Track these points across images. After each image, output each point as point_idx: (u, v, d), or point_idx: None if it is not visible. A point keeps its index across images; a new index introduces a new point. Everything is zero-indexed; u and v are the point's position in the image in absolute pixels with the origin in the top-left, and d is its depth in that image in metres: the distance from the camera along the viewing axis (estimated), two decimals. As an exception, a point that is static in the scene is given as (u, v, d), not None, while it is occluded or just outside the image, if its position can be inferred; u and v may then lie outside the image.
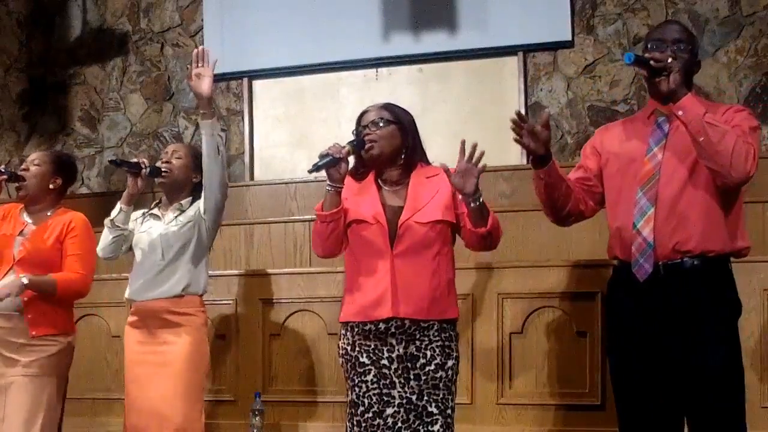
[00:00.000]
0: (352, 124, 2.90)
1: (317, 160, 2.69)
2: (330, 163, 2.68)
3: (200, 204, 3.32)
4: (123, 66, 5.98)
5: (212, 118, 3.24)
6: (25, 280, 3.20)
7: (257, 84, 5.74)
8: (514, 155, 5.10)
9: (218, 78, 5.64)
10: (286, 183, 5.31)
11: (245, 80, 5.70)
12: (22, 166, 3.43)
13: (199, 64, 3.24)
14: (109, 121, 5.99)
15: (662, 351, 2.52)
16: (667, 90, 2.47)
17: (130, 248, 3.39)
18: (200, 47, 3.30)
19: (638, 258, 2.54)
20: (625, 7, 5.10)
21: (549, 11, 5.12)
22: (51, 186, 3.44)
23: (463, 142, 2.67)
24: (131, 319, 3.34)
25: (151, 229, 3.33)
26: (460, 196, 2.72)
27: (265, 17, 5.62)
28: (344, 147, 2.71)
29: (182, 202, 3.35)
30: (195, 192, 3.37)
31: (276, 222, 4.85)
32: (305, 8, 5.54)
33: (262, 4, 5.65)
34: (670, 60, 2.47)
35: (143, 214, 3.42)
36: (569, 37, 5.14)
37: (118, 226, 3.32)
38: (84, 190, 5.94)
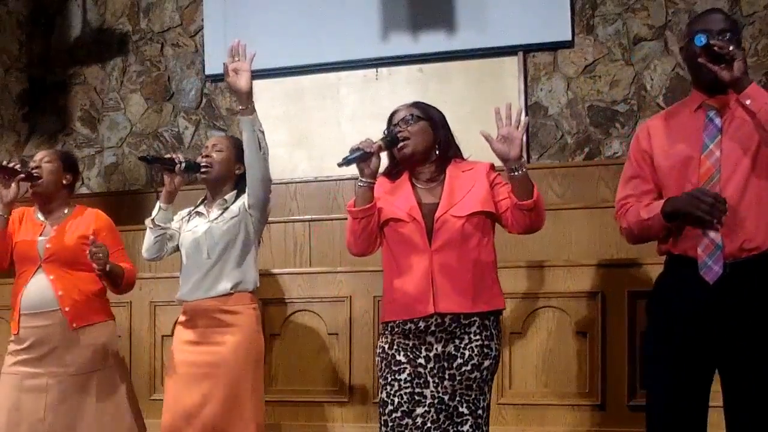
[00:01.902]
0: (352, 124, 2.90)
1: (347, 153, 2.66)
2: (360, 157, 2.66)
3: (245, 199, 3.22)
4: (123, 66, 5.98)
5: (252, 114, 3.09)
6: (109, 265, 3.20)
7: (257, 84, 5.61)
8: (514, 155, 5.10)
9: (219, 78, 5.67)
10: (286, 183, 5.30)
11: (245, 80, 5.69)
12: (33, 165, 3.39)
13: (236, 59, 3.08)
14: (109, 121, 5.99)
15: (716, 349, 2.47)
16: (730, 78, 2.39)
17: (177, 248, 3.31)
18: (236, 40, 3.12)
19: (706, 260, 2.48)
20: (625, 7, 5.10)
21: (549, 11, 5.12)
22: (64, 182, 3.44)
23: (507, 106, 2.65)
24: (182, 318, 3.26)
25: (197, 227, 3.24)
26: (496, 182, 2.73)
27: (264, 17, 5.62)
28: (375, 142, 2.69)
29: (226, 197, 3.25)
30: (239, 184, 3.27)
31: (276, 222, 4.85)
32: (305, 8, 5.54)
33: (261, 4, 5.65)
34: (732, 48, 2.39)
35: (189, 212, 3.33)
36: (569, 37, 5.14)
37: (159, 226, 3.24)
38: (84, 190, 5.93)
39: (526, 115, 5.17)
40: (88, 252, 3.15)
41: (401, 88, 5.38)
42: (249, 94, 3.08)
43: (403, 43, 5.36)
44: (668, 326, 2.56)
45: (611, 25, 5.12)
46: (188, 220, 3.30)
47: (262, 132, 3.11)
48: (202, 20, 5.79)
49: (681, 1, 5.00)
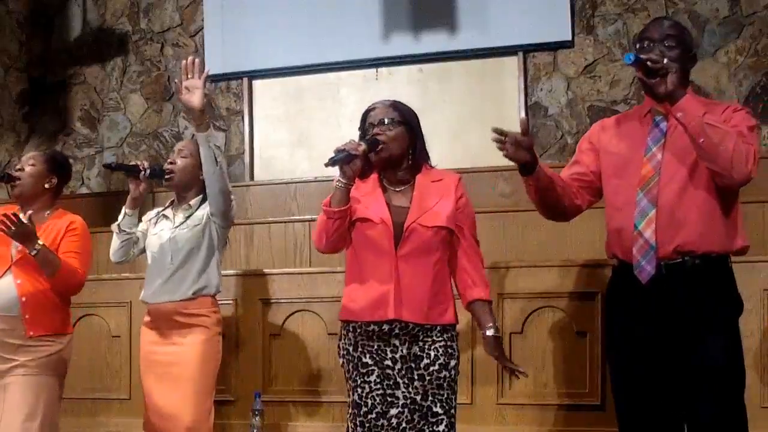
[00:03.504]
0: (352, 124, 2.89)
1: (333, 154, 2.67)
2: (345, 158, 2.66)
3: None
4: (123, 66, 5.98)
5: (206, 131, 3.17)
6: (39, 245, 3.15)
7: (257, 84, 5.75)
8: (514, 155, 5.09)
9: (218, 78, 5.69)
10: (286, 183, 5.31)
11: (245, 80, 5.70)
12: (18, 166, 3.39)
13: (189, 76, 3.11)
14: (109, 121, 5.99)
15: (663, 351, 2.51)
16: (664, 92, 2.44)
17: (144, 250, 3.39)
18: (189, 58, 3.17)
19: (640, 260, 2.53)
20: (625, 7, 5.10)
21: (549, 11, 5.12)
22: (46, 185, 3.39)
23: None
24: (146, 319, 3.36)
25: (162, 231, 3.32)
26: (460, 205, 2.80)
27: (265, 17, 5.62)
28: (360, 144, 2.70)
29: (191, 202, 3.33)
30: (205, 190, 3.31)
31: (276, 222, 4.85)
32: (305, 8, 5.54)
33: (262, 4, 5.65)
34: (666, 61, 2.44)
35: (157, 214, 3.40)
36: (569, 37, 5.14)
37: (124, 231, 3.33)
38: (84, 190, 5.94)
39: (526, 115, 5.18)
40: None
41: (401, 88, 5.38)
42: (203, 111, 3.14)
43: (403, 43, 5.37)
44: (614, 329, 2.65)
45: (611, 25, 5.12)
46: (155, 223, 3.38)
47: (218, 147, 3.21)
48: (202, 20, 5.79)
49: (681, 1, 5.00)
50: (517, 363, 3.59)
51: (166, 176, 3.32)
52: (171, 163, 3.35)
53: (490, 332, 2.77)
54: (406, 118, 2.81)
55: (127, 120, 5.96)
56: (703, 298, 2.49)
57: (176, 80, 3.14)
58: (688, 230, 2.50)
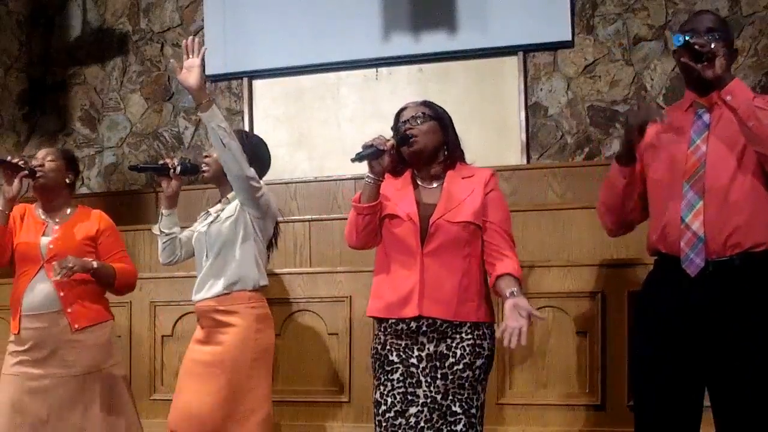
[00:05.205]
0: (352, 124, 2.90)
1: (360, 149, 2.66)
2: (373, 154, 2.65)
3: None
4: (123, 66, 5.98)
5: (208, 110, 2.98)
6: (95, 264, 3.22)
7: (257, 84, 5.75)
8: (514, 155, 5.10)
9: (219, 78, 5.69)
10: (286, 183, 5.31)
11: (245, 80, 5.70)
12: (36, 163, 3.34)
13: (190, 56, 3.02)
14: (109, 121, 5.99)
15: (698, 347, 2.47)
16: (713, 76, 2.40)
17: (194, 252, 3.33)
18: (189, 38, 3.05)
19: (688, 253, 2.48)
20: (625, 7, 5.10)
21: (549, 11, 5.13)
22: (67, 181, 3.42)
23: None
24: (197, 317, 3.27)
25: (202, 228, 3.25)
26: (489, 199, 2.77)
27: (265, 17, 5.62)
28: (389, 140, 2.69)
29: (228, 195, 3.24)
30: None
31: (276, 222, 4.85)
32: (305, 8, 5.55)
33: (262, 4, 5.65)
34: (713, 45, 2.40)
35: (206, 212, 3.33)
36: (569, 37, 5.15)
37: (164, 232, 3.27)
38: (84, 190, 5.93)
39: (526, 114, 5.18)
40: (58, 268, 3.15)
41: (401, 88, 5.39)
42: (201, 89, 2.99)
43: (403, 43, 5.37)
44: (653, 324, 2.57)
45: (611, 25, 5.13)
46: (201, 221, 3.30)
47: (223, 127, 3.00)
48: (202, 20, 5.79)
49: (681, 1, 5.00)
50: (517, 361, 3.63)
51: (202, 171, 3.24)
52: (206, 156, 3.27)
53: (509, 291, 2.63)
54: (438, 114, 2.82)
55: (127, 120, 5.96)
56: (748, 297, 2.45)
57: (171, 61, 3.09)
58: (736, 220, 2.46)
